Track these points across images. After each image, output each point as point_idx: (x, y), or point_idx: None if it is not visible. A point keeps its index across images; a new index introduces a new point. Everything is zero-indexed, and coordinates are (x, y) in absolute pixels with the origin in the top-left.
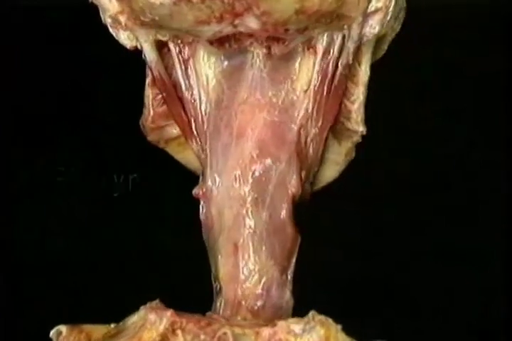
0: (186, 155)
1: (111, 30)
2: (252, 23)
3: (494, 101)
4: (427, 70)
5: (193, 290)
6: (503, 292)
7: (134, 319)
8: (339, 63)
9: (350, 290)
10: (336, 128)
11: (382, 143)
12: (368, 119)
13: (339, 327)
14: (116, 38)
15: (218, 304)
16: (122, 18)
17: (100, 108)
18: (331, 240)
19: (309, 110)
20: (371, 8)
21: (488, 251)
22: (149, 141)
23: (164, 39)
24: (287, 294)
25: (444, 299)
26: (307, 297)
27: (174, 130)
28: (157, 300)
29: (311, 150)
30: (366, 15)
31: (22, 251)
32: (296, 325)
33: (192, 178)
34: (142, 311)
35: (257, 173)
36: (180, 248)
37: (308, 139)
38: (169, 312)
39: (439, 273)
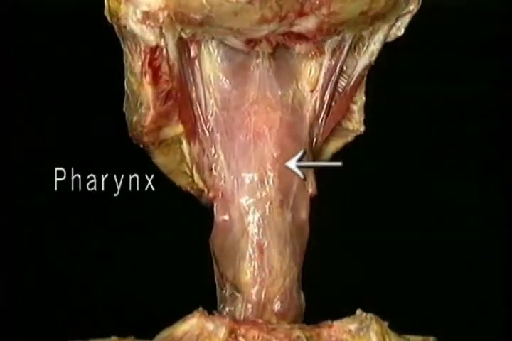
0: (169, 157)
1: (133, 25)
2: (310, 23)
3: (494, 101)
4: (427, 70)
5: (193, 290)
6: (503, 292)
7: (184, 328)
8: (358, 64)
9: (349, 289)
10: None
11: (382, 143)
12: (368, 119)
13: (387, 324)
14: (139, 34)
15: (237, 308)
16: (162, 14)
17: (100, 108)
18: (330, 240)
19: (317, 110)
20: (404, 10)
21: (488, 251)
22: (139, 143)
23: (185, 37)
24: (302, 295)
25: (444, 299)
26: (307, 297)
27: (171, 131)
28: (201, 308)
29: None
30: (398, 17)
31: (22, 251)
32: (352, 325)
33: None
34: (193, 319)
35: (281, 174)
36: (180, 248)
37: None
38: (227, 320)
39: (439, 273)
